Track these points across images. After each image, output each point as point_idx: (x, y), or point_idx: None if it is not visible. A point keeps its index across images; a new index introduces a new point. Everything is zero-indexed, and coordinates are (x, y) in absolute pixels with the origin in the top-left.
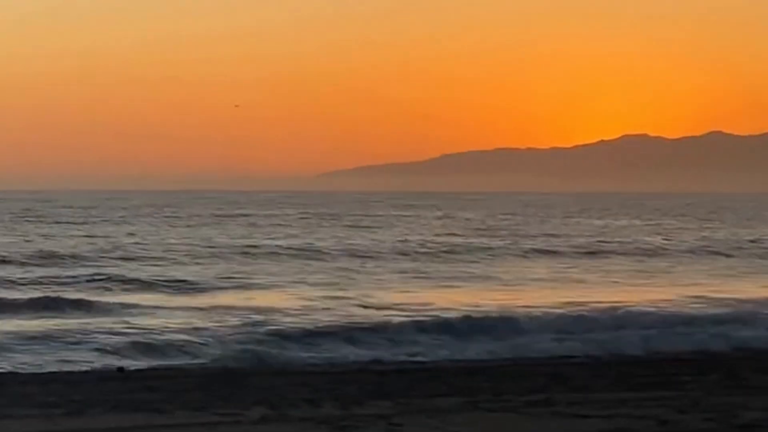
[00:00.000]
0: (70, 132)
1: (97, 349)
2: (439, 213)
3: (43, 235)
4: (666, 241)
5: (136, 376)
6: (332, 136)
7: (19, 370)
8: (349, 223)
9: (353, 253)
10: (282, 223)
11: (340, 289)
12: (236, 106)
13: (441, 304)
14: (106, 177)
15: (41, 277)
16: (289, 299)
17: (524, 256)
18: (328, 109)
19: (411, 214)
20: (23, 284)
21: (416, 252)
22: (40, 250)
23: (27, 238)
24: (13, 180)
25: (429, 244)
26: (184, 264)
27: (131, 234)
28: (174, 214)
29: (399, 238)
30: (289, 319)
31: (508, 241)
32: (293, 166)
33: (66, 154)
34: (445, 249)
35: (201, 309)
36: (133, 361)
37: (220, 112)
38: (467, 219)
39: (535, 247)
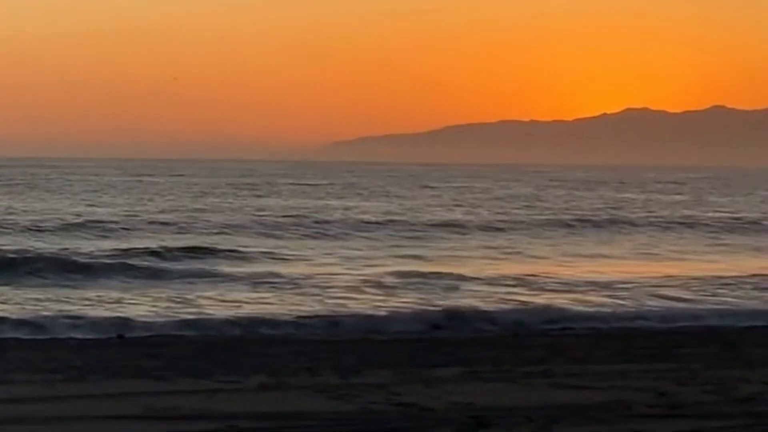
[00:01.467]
0: (49, 95)
1: None
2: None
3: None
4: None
5: (136, 343)
6: (333, 106)
7: (21, 336)
8: (403, 195)
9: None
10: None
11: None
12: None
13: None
14: (90, 144)
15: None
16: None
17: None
18: (329, 79)
19: (460, 185)
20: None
21: (531, 224)
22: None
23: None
24: None
25: (522, 217)
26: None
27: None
28: (245, 185)
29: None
30: None
31: (588, 213)
32: (293, 137)
33: (43, 119)
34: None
35: None
36: None
37: (214, 80)
38: (520, 192)
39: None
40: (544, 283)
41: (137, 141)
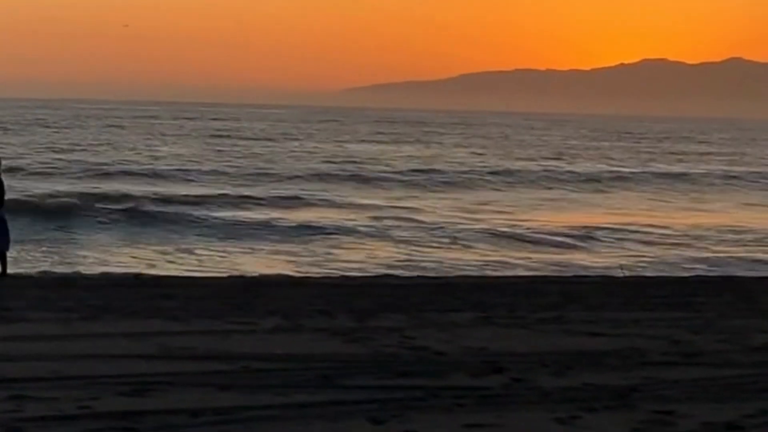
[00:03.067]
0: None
1: None
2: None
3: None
4: None
5: (151, 284)
6: (351, 52)
7: (37, 275)
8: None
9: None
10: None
11: None
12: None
13: None
14: (103, 86)
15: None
16: None
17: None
18: (347, 25)
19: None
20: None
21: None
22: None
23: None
24: None
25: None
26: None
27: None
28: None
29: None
30: None
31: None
32: (307, 83)
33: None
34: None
35: None
36: None
37: (225, 23)
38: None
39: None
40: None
41: (149, 84)
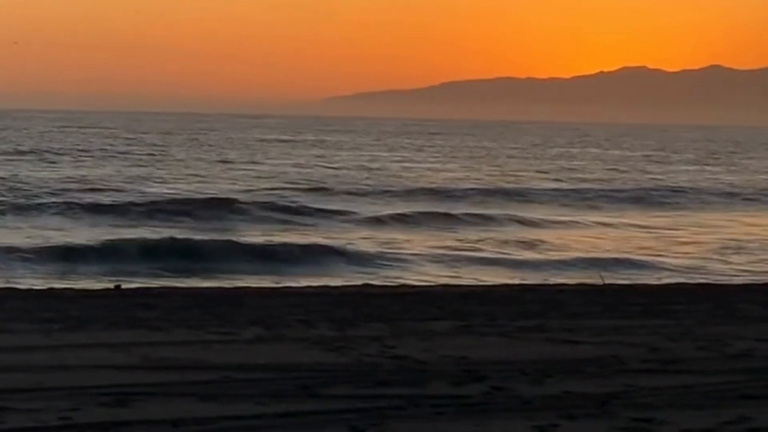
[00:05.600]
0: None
1: None
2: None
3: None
4: None
5: (133, 294)
6: (331, 61)
7: (19, 285)
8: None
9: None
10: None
11: None
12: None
13: None
14: (73, 96)
15: None
16: None
17: None
18: (326, 34)
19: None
20: None
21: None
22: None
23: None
24: None
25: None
26: None
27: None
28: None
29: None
30: None
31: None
32: (292, 91)
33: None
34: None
35: None
36: None
37: (204, 32)
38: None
39: None
40: None
41: (132, 94)
